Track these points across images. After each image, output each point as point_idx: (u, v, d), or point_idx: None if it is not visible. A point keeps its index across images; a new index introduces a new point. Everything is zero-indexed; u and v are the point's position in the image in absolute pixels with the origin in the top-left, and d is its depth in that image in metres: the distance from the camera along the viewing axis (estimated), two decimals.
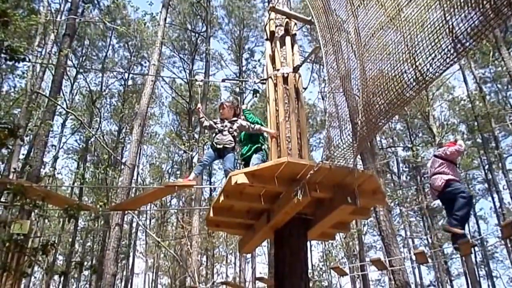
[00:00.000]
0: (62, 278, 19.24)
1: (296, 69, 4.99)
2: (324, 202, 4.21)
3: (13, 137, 3.91)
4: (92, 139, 20.49)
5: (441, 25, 2.76)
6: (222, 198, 4.18)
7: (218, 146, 5.84)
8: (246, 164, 5.57)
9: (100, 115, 22.09)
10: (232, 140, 5.90)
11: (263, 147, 5.53)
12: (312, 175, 3.79)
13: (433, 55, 2.82)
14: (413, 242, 25.30)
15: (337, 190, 4.04)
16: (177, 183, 5.90)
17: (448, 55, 2.74)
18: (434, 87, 20.34)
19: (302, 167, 3.86)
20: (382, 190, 4.44)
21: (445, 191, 5.70)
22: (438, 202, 24.29)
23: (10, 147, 9.38)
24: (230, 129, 5.93)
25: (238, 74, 22.74)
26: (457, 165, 6.11)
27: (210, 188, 21.53)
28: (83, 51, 22.41)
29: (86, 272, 23.31)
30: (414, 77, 3.06)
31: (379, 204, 8.07)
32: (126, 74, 22.81)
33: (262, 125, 5.62)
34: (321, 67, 20.82)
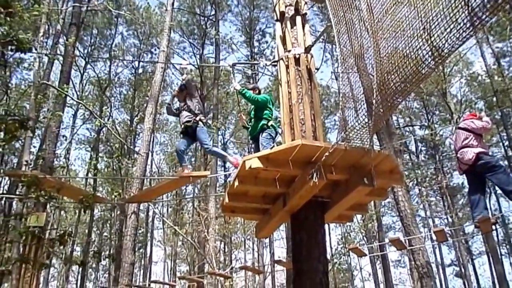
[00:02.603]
0: (80, 269, 19.65)
1: (308, 50, 4.87)
2: (340, 184, 4.15)
3: (23, 128, 3.93)
4: (104, 129, 20.59)
5: None
6: (236, 183, 4.16)
7: (182, 129, 5.95)
8: (255, 142, 5.47)
9: (111, 105, 22.13)
10: (190, 114, 5.94)
11: (269, 123, 5.42)
12: (327, 157, 3.72)
13: (448, 29, 2.71)
14: (433, 221, 25.10)
15: (353, 171, 3.97)
16: (192, 174, 5.92)
17: (464, 29, 2.63)
18: (451, 63, 19.81)
19: (317, 149, 3.79)
20: (399, 170, 4.35)
21: (476, 165, 5.50)
22: (458, 181, 24.00)
23: (22, 140, 9.45)
24: (185, 105, 6.01)
25: (249, 57, 22.40)
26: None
27: (225, 174, 21.57)
28: (91, 41, 22.29)
29: (104, 262, 23.68)
30: (430, 53, 2.97)
31: (396, 184, 7.95)
32: (136, 62, 22.73)
33: (263, 99, 5.49)
34: (334, 46, 20.44)
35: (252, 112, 5.62)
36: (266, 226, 4.79)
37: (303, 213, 4.22)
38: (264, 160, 3.87)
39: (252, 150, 5.79)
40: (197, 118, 5.96)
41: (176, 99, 6.47)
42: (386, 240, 16.11)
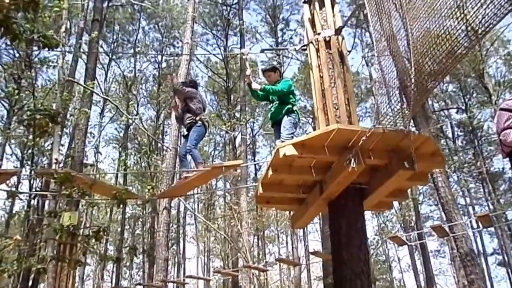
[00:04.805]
0: (115, 267, 20.00)
1: (338, 31, 4.67)
2: (379, 169, 3.97)
3: (54, 123, 3.95)
4: (132, 126, 20.77)
5: None
6: (270, 172, 4.03)
7: (186, 133, 5.94)
8: (277, 126, 5.28)
9: (137, 101, 22.28)
10: (190, 115, 5.90)
11: (294, 107, 5.21)
12: (365, 141, 3.55)
13: (484, 6, 2.56)
14: (473, 209, 24.14)
15: (393, 155, 3.78)
16: (224, 164, 5.85)
17: (502, 4, 2.48)
18: (487, 42, 18.90)
19: (354, 134, 3.62)
20: (440, 152, 4.12)
21: None
22: (499, 166, 22.98)
23: (52, 136, 9.57)
24: (185, 106, 6.02)
25: (274, 46, 22.07)
26: None
27: (255, 166, 21.43)
28: (114, 37, 22.31)
29: (138, 260, 23.96)
30: (465, 32, 2.78)
31: (438, 168, 7.63)
32: (160, 57, 22.70)
33: (287, 87, 5.25)
34: (363, 31, 19.89)
35: (275, 97, 5.41)
36: (302, 216, 4.65)
37: (342, 201, 4.07)
38: (299, 147, 3.72)
39: (274, 136, 5.60)
40: (197, 118, 5.91)
41: (179, 105, 6.38)
42: (425, 230, 15.64)
